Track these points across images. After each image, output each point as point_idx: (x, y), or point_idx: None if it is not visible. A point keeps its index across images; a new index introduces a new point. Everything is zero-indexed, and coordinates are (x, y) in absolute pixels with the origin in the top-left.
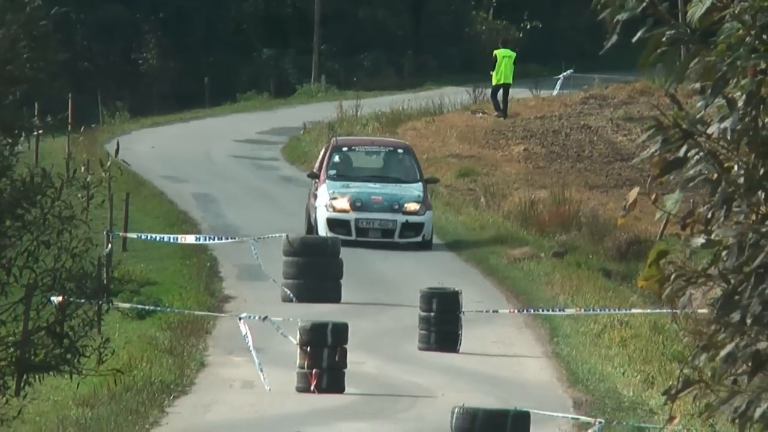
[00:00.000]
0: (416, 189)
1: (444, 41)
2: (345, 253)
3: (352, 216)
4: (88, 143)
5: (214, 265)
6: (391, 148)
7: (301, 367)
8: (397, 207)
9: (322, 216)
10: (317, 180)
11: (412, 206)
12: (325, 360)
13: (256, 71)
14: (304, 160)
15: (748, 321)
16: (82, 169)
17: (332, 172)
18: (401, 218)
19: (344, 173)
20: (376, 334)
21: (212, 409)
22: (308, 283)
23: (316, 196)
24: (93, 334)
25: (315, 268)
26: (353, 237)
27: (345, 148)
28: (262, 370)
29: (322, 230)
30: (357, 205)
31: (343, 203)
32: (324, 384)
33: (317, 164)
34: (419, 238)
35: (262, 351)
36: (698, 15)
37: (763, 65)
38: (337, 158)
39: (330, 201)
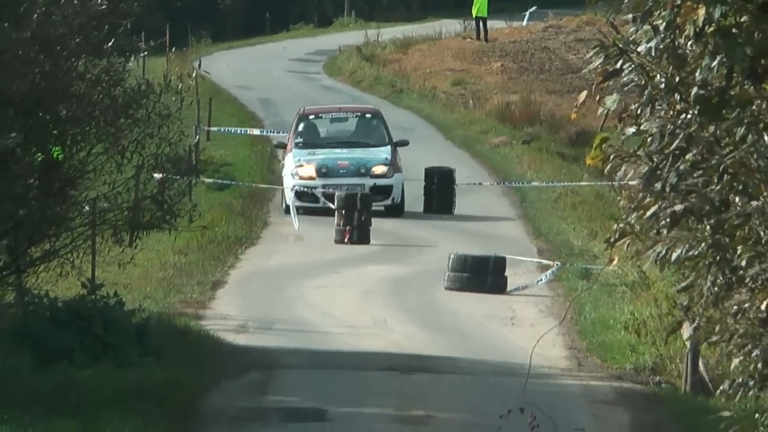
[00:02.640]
0: (384, 152)
1: None
2: None
3: (318, 183)
4: (180, 61)
5: (274, 151)
6: (359, 114)
7: (338, 225)
8: (363, 171)
9: (288, 185)
10: (285, 150)
11: (380, 169)
12: (355, 220)
13: (303, 7)
14: (339, 74)
15: (667, 189)
16: (176, 79)
17: (299, 140)
18: (369, 182)
19: (311, 141)
20: None
21: (273, 256)
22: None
23: (283, 166)
24: (185, 201)
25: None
26: (321, 204)
27: (312, 116)
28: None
29: (290, 199)
30: (323, 171)
31: (309, 170)
32: (355, 237)
33: (288, 135)
34: (389, 201)
35: (309, 215)
36: None
37: (678, 0)
38: (303, 127)
39: (296, 169)
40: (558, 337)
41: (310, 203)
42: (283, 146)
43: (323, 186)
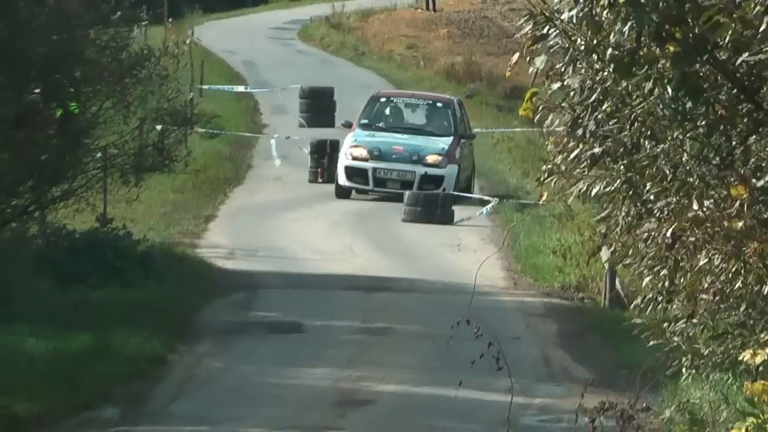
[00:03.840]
0: (443, 142)
1: None
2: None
3: (369, 165)
4: (176, 30)
5: (256, 105)
6: (431, 102)
7: (312, 167)
8: (416, 158)
9: (341, 164)
10: (350, 128)
11: (433, 158)
12: (326, 162)
13: None
14: (311, 40)
15: (587, 135)
16: (172, 45)
17: (364, 121)
18: (420, 170)
19: (376, 124)
20: None
21: (256, 194)
22: (314, 116)
23: (343, 146)
24: (181, 148)
25: (318, 106)
26: (370, 186)
27: (383, 99)
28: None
29: (342, 179)
30: (375, 154)
31: (361, 151)
32: (326, 177)
33: (357, 116)
34: (439, 192)
35: (285, 158)
36: None
37: None
38: (372, 108)
39: (350, 149)
40: (497, 261)
41: (359, 184)
42: (349, 125)
43: (374, 169)
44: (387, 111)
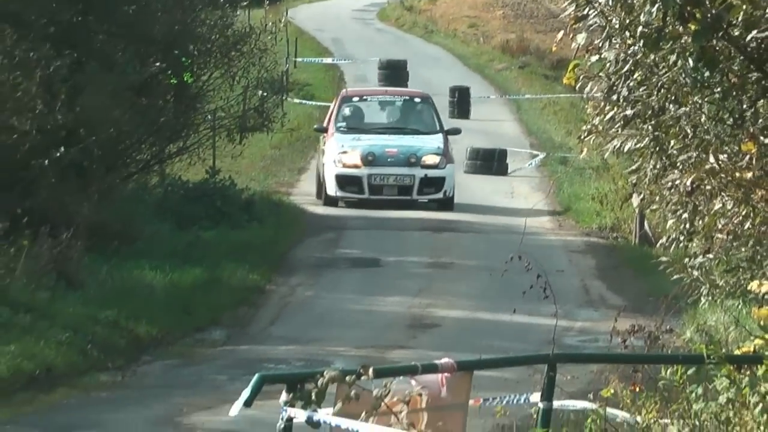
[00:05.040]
0: (436, 140)
1: None
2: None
3: (364, 172)
4: (273, 11)
5: (342, 75)
6: (407, 98)
7: None
8: (414, 160)
9: (330, 173)
10: (325, 134)
11: (432, 159)
12: None
13: None
14: (387, 20)
15: (621, 99)
16: (271, 24)
17: (341, 125)
18: (419, 173)
19: (355, 126)
20: None
21: None
22: (390, 84)
23: (324, 152)
24: (278, 111)
25: (394, 75)
26: (366, 195)
27: (356, 98)
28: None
29: (332, 189)
30: (369, 159)
31: (353, 158)
32: None
33: (326, 118)
34: (440, 195)
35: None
36: None
37: None
38: (346, 110)
39: (339, 156)
40: (544, 205)
41: (353, 194)
42: (323, 130)
43: (369, 175)
44: (361, 111)
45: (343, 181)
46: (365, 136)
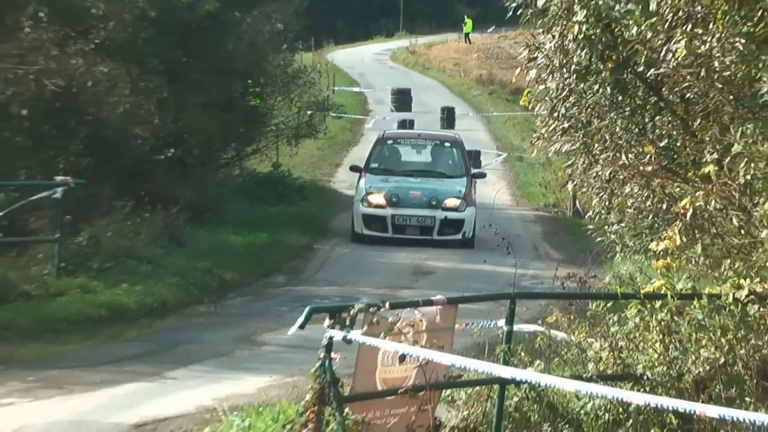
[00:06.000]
0: (459, 184)
1: None
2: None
3: (388, 212)
4: (318, 55)
5: (366, 99)
6: (438, 142)
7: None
8: (435, 203)
9: (357, 211)
10: (360, 173)
11: (452, 202)
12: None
13: (378, 26)
14: (397, 61)
15: (559, 116)
16: (317, 64)
17: (374, 165)
18: (440, 215)
19: (387, 167)
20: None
21: (364, 150)
22: (399, 105)
23: (356, 191)
24: (322, 124)
25: (402, 99)
26: (389, 234)
27: (390, 141)
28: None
29: (358, 227)
30: (393, 200)
31: (378, 198)
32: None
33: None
34: (459, 236)
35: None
36: None
37: (564, 22)
38: (380, 151)
39: (366, 196)
40: (506, 189)
41: (378, 232)
42: (359, 170)
43: (393, 216)
44: (395, 153)
45: (368, 220)
46: (393, 178)
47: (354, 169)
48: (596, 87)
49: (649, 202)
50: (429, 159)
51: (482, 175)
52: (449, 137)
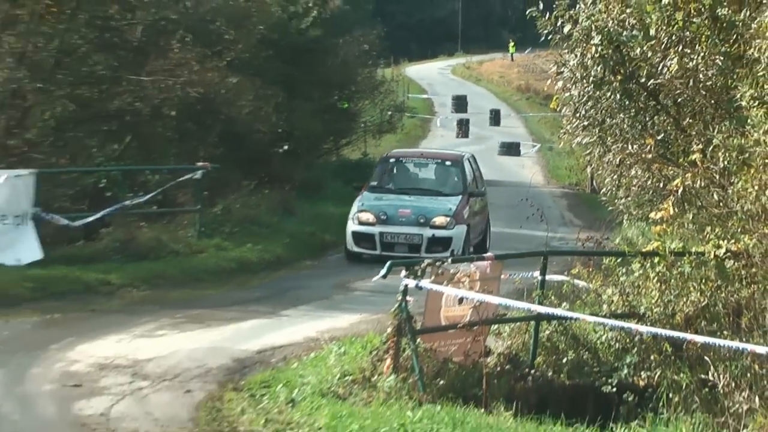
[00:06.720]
0: (450, 202)
1: None
2: None
3: (376, 230)
4: (397, 69)
5: (432, 103)
6: (439, 161)
7: (457, 131)
8: (423, 221)
9: (349, 229)
10: (360, 192)
11: (440, 220)
12: (464, 129)
13: (442, 47)
14: (456, 74)
15: (580, 116)
16: (395, 76)
17: (374, 183)
18: (428, 232)
19: (385, 185)
20: None
21: (432, 141)
22: (457, 108)
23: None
24: (400, 123)
25: (459, 103)
26: (378, 252)
27: (393, 160)
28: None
29: (350, 244)
30: (382, 218)
31: (368, 216)
32: (463, 134)
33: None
34: (447, 254)
35: (444, 126)
36: None
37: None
38: (382, 170)
39: (357, 213)
40: (539, 172)
41: (367, 249)
42: (360, 188)
43: (381, 233)
44: (397, 172)
45: (358, 237)
46: (388, 196)
47: (357, 187)
48: (609, 94)
49: (649, 182)
50: (428, 178)
51: (480, 194)
52: (452, 156)
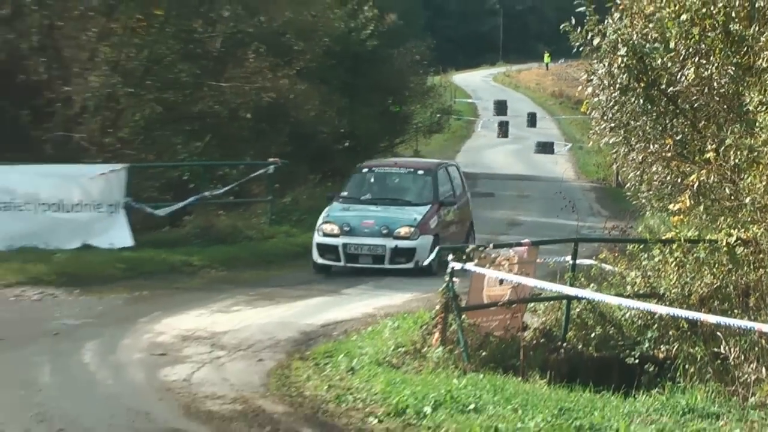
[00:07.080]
0: (416, 212)
1: None
2: None
3: (340, 241)
4: (444, 76)
5: (476, 107)
6: (412, 170)
7: (498, 131)
8: (386, 231)
9: (314, 240)
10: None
11: (404, 230)
12: (505, 129)
13: (483, 57)
14: (496, 81)
15: (608, 118)
16: (443, 83)
17: (344, 193)
18: (391, 243)
19: (355, 196)
20: None
21: (475, 141)
22: (498, 111)
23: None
24: (447, 124)
25: (500, 107)
26: (342, 263)
27: (365, 170)
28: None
29: (315, 255)
30: (345, 229)
31: (332, 227)
32: (503, 135)
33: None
34: (411, 264)
35: (486, 127)
36: None
37: (611, 54)
38: (354, 180)
39: (321, 225)
40: (571, 168)
41: (332, 261)
42: (332, 198)
43: (344, 245)
44: (368, 182)
45: (322, 248)
46: (356, 207)
47: (329, 198)
48: (633, 99)
49: (668, 177)
50: (398, 187)
51: (451, 203)
52: (425, 165)
